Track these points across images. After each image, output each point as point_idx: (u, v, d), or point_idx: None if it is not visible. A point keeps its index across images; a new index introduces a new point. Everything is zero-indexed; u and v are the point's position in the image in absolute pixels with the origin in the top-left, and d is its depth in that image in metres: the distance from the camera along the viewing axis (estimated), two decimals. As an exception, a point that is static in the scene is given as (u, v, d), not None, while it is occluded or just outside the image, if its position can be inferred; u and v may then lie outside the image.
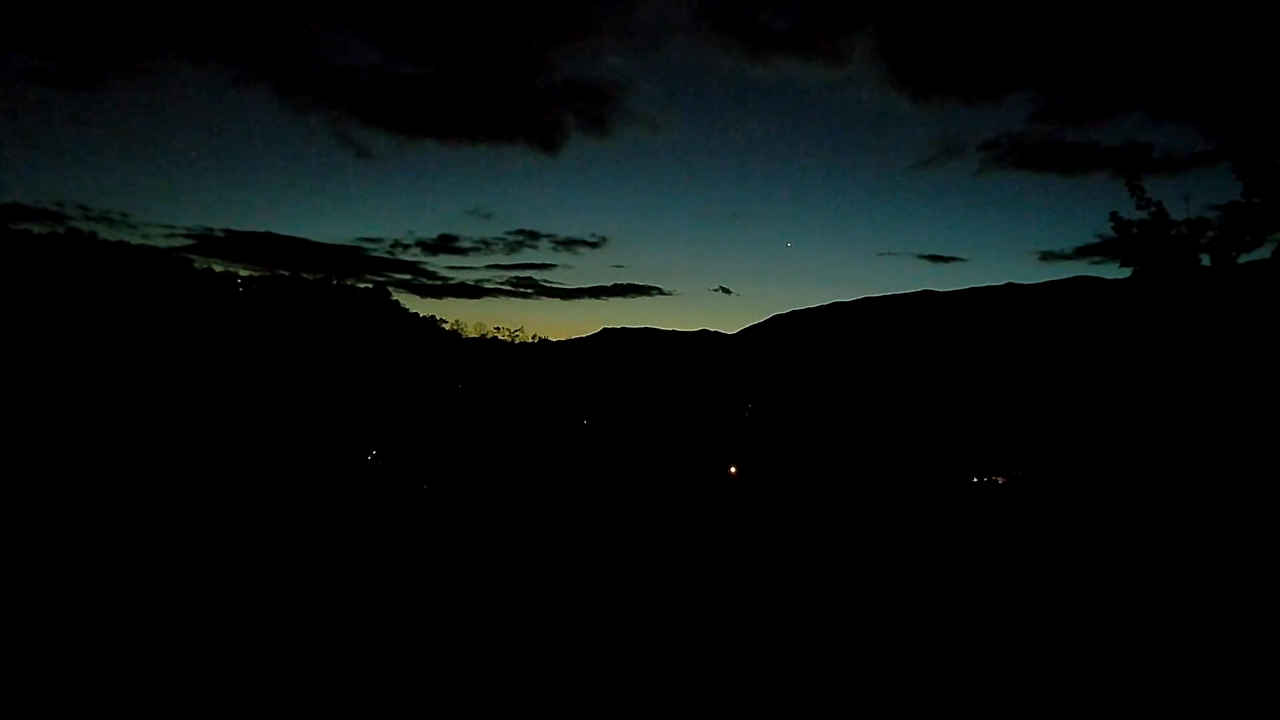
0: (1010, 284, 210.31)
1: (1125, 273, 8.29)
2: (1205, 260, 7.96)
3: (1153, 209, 7.99)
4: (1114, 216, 8.13)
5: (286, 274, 63.82)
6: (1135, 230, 8.03)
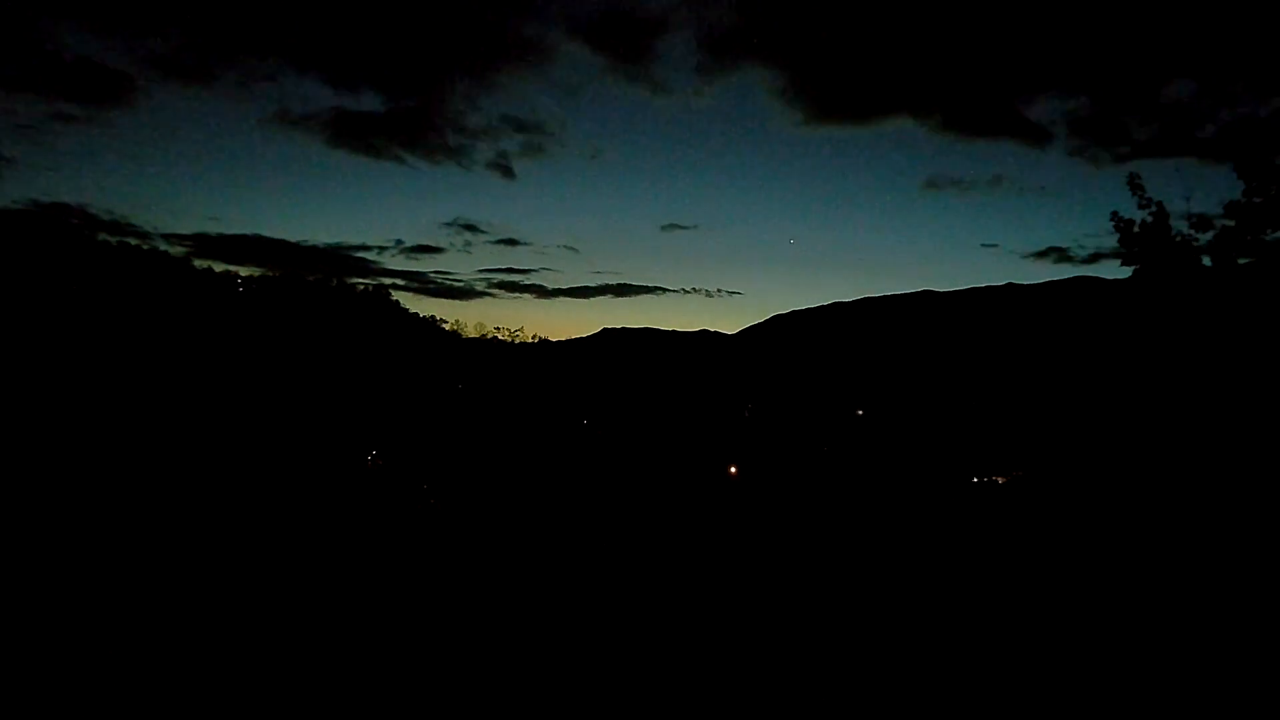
0: (1010, 284, 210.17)
1: (1125, 272, 8.29)
2: (1206, 260, 7.96)
3: (1153, 209, 7.98)
4: (1114, 216, 8.11)
5: (286, 274, 63.78)
6: (1136, 230, 8.03)
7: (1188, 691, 6.01)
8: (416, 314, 73.93)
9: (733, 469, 35.60)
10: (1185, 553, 7.55)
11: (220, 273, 57.25)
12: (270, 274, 59.59)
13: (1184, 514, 7.72)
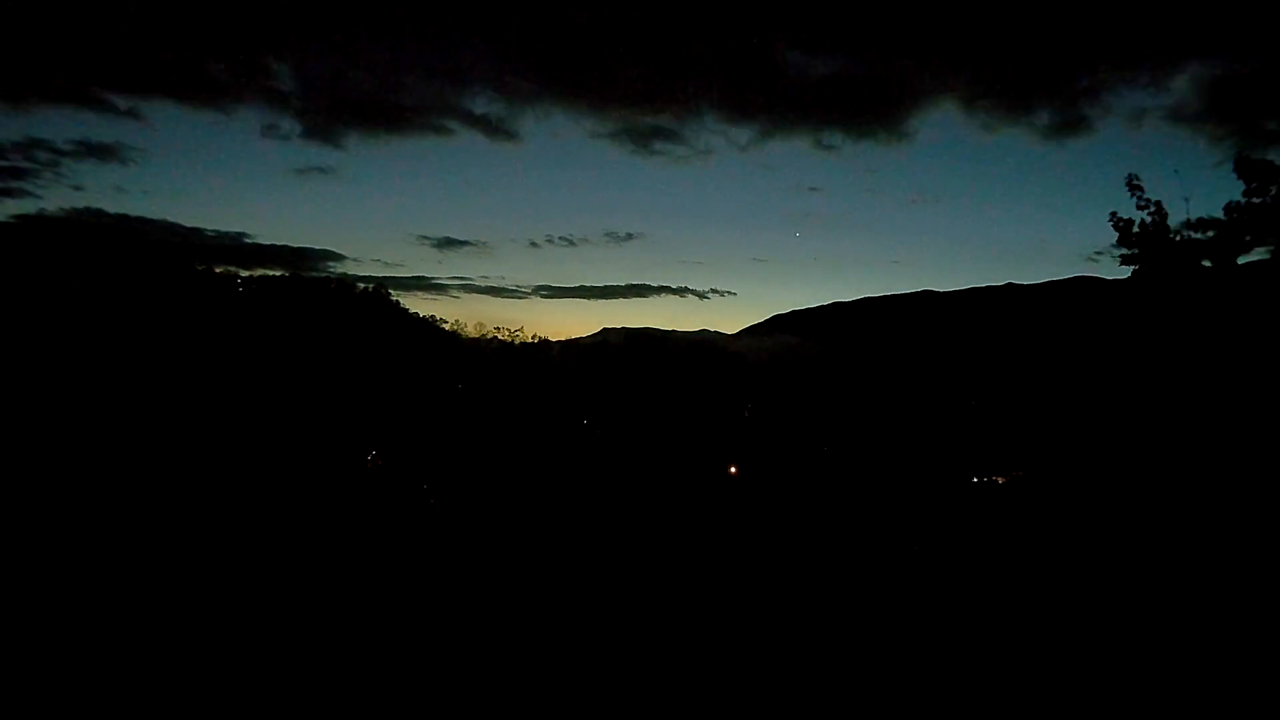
0: (1010, 284, 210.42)
1: (1125, 272, 8.28)
2: (1206, 261, 7.94)
3: (1152, 209, 7.97)
4: (1113, 216, 8.10)
5: (287, 274, 63.80)
6: (1136, 230, 8.01)
7: (1188, 690, 6.00)
8: (416, 314, 73.69)
9: (733, 469, 35.60)
10: (1185, 553, 7.54)
11: (220, 273, 57.22)
12: (269, 273, 59.63)
13: (1184, 514, 7.71)
